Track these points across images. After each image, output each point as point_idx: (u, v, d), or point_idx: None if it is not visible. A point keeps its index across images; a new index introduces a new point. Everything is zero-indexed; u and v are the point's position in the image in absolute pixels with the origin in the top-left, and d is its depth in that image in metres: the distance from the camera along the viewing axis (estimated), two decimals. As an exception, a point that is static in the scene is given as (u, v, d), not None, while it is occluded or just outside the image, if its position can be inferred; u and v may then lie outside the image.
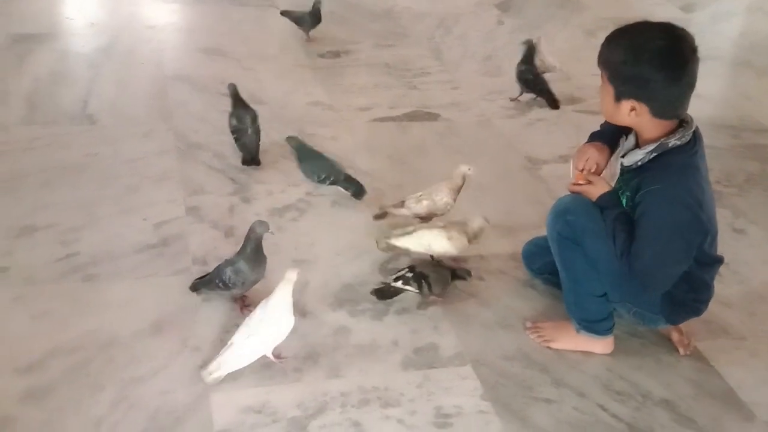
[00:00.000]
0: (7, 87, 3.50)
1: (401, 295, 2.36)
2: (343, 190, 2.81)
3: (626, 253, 1.99)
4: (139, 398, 1.97)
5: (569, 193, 2.17)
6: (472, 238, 2.49)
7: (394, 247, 2.51)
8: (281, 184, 2.90)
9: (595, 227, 2.06)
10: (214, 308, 2.28)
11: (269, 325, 2.02)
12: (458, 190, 2.64)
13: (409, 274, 2.33)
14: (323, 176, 2.81)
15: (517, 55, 3.73)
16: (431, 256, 2.51)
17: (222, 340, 2.12)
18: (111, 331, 2.17)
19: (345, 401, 2.01)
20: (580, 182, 2.13)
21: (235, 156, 3.06)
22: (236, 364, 2.01)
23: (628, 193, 2.06)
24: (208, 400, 1.97)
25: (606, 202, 2.06)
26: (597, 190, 2.09)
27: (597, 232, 2.06)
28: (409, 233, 2.50)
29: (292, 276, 2.05)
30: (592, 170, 2.14)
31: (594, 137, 2.24)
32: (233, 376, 2.03)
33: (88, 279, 2.37)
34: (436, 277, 2.34)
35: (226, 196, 2.82)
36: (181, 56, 4.07)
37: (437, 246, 2.46)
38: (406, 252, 2.52)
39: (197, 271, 2.42)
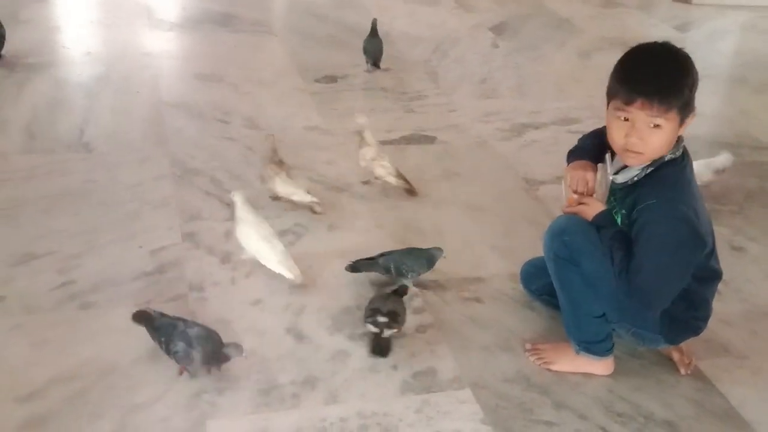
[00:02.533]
0: (5, 116, 3.53)
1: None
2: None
3: (624, 270, 1.98)
4: (138, 426, 1.96)
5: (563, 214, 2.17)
6: (271, 159, 2.83)
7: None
8: (277, 209, 2.90)
9: (592, 247, 2.06)
10: (212, 334, 2.28)
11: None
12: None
13: (383, 319, 2.25)
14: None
15: (514, 77, 3.73)
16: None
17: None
18: (110, 359, 2.16)
19: (344, 427, 2.00)
20: (573, 204, 2.13)
21: (230, 181, 3.08)
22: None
23: (623, 211, 2.06)
24: (206, 428, 1.96)
25: (602, 221, 2.06)
26: (591, 210, 2.09)
27: (594, 252, 2.06)
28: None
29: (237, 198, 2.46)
30: (584, 190, 2.13)
31: (575, 154, 2.21)
32: (231, 402, 2.02)
33: (85, 307, 2.36)
34: (402, 308, 2.31)
35: (222, 222, 2.82)
36: (176, 83, 4.09)
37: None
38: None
39: (194, 298, 2.41)
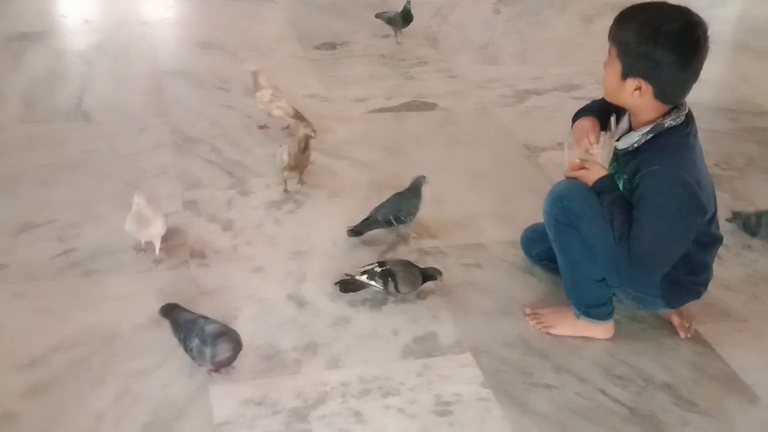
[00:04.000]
0: (2, 86, 3.50)
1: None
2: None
3: (625, 236, 1.98)
4: (140, 392, 1.97)
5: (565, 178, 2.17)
6: (299, 149, 2.72)
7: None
8: (278, 176, 2.89)
9: (592, 212, 2.05)
10: (211, 301, 2.28)
11: None
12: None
13: (378, 269, 2.30)
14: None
15: (516, 43, 3.71)
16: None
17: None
18: (111, 326, 2.17)
19: (345, 391, 2.01)
20: (575, 168, 2.12)
21: (231, 149, 3.07)
22: None
23: (625, 177, 2.06)
24: (208, 393, 1.97)
25: (602, 187, 2.06)
26: (593, 174, 2.08)
27: (594, 217, 2.05)
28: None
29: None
30: (586, 147, 2.12)
31: (580, 114, 2.22)
32: (232, 369, 2.03)
33: (87, 274, 2.37)
34: (405, 277, 2.30)
35: (223, 190, 2.82)
36: (176, 51, 4.07)
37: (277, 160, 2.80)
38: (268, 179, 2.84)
39: (196, 265, 2.42)
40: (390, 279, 2.28)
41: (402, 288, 2.29)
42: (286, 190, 2.82)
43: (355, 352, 2.14)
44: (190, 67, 3.80)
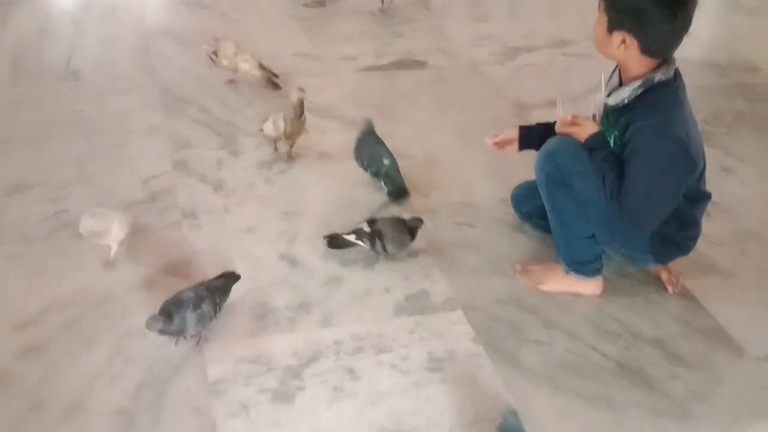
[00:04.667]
0: (-10, 46, 3.47)
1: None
2: (382, 185, 2.63)
3: (616, 192, 2.00)
4: (134, 352, 1.99)
5: (557, 135, 2.17)
6: (296, 114, 2.66)
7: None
8: (269, 145, 2.88)
9: (583, 168, 2.06)
10: (204, 261, 2.29)
11: None
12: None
13: (366, 229, 2.31)
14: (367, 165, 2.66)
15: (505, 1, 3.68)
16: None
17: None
18: (104, 287, 2.18)
19: (338, 349, 2.03)
20: (567, 124, 2.13)
21: (220, 109, 3.06)
22: None
23: (615, 133, 2.06)
24: (202, 352, 1.99)
25: (594, 143, 2.06)
26: (584, 131, 2.08)
27: (585, 174, 2.06)
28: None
29: None
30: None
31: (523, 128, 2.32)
32: (226, 328, 2.05)
33: (79, 235, 2.35)
34: (394, 237, 2.31)
35: (213, 150, 2.81)
36: (163, 10, 4.02)
37: (267, 130, 2.75)
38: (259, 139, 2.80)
39: (188, 225, 2.42)
40: (377, 239, 2.29)
41: (390, 248, 2.31)
42: (276, 150, 2.80)
43: (348, 311, 2.16)
44: (178, 26, 3.77)
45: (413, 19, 4.01)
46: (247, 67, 3.14)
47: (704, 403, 1.95)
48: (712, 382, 2.02)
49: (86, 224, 2.19)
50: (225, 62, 3.16)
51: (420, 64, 3.57)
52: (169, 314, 1.92)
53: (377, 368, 1.97)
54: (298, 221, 2.49)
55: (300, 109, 2.69)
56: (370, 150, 2.66)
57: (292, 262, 2.32)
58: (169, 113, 3.03)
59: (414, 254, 2.38)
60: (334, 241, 2.34)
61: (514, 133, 2.31)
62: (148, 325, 1.89)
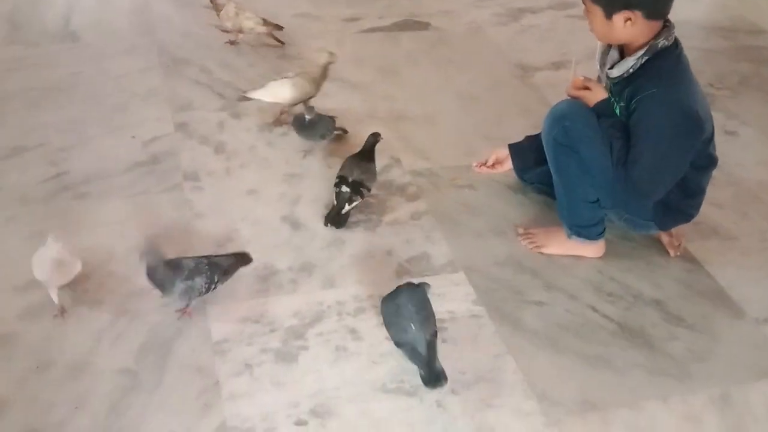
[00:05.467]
0: (-15, 6, 3.43)
1: (394, 209, 2.40)
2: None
3: (623, 161, 1.99)
4: (137, 312, 1.99)
5: (566, 98, 2.15)
6: (321, 77, 2.62)
7: (249, 99, 2.69)
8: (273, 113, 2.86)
9: (592, 133, 2.05)
10: (206, 223, 2.29)
11: None
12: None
13: (346, 189, 2.31)
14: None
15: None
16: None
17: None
18: (106, 248, 2.18)
19: (341, 310, 2.04)
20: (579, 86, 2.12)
21: (221, 70, 3.03)
22: None
23: (621, 104, 2.04)
24: (206, 312, 2.00)
25: (603, 109, 2.05)
26: (595, 96, 2.07)
27: (593, 139, 2.04)
28: (262, 86, 2.66)
29: None
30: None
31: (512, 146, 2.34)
32: (230, 288, 2.05)
33: (79, 197, 2.37)
34: (368, 176, 2.36)
35: (214, 112, 2.80)
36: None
37: (283, 93, 2.62)
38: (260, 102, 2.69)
39: (190, 188, 2.42)
40: (361, 188, 2.32)
41: (369, 183, 2.35)
42: (284, 112, 2.77)
43: (350, 273, 2.17)
44: (177, -14, 3.71)
45: (415, -21, 3.96)
46: (251, 24, 3.11)
47: (704, 363, 1.97)
48: (712, 343, 2.03)
49: (57, 247, 1.96)
50: (228, 24, 3.13)
51: (423, 26, 3.53)
52: (164, 268, 1.90)
53: (379, 329, 1.98)
54: (300, 184, 2.48)
55: (325, 72, 2.66)
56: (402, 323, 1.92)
57: (294, 224, 2.32)
58: (168, 75, 3.00)
59: (416, 216, 2.38)
60: (339, 222, 2.31)
61: (503, 153, 2.33)
62: (141, 255, 1.90)
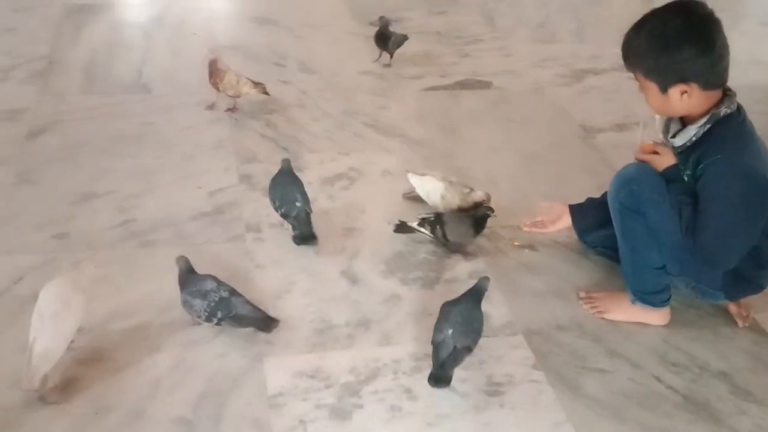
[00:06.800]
0: (64, 57, 3.57)
1: (453, 266, 2.39)
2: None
3: (692, 227, 1.95)
4: (195, 361, 2.01)
5: (633, 161, 2.13)
6: (467, 204, 2.53)
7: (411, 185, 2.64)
8: (332, 152, 2.91)
9: (660, 198, 2.02)
10: (266, 274, 2.31)
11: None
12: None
13: (431, 218, 2.41)
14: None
15: (573, 21, 3.65)
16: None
17: (275, 303, 2.15)
18: (168, 296, 2.20)
19: (397, 368, 2.02)
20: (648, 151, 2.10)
21: (285, 125, 3.09)
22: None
23: (688, 172, 2.02)
24: (262, 364, 2.00)
25: (672, 175, 2.02)
26: (664, 161, 2.05)
27: (661, 204, 2.01)
28: (424, 173, 2.62)
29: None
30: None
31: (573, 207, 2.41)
32: (286, 341, 2.05)
33: (145, 245, 2.41)
34: (453, 226, 2.39)
35: (278, 165, 2.83)
36: (232, 25, 4.10)
37: (432, 196, 2.55)
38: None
39: (251, 239, 2.45)
40: (438, 226, 2.37)
41: (450, 235, 2.37)
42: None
43: (407, 330, 2.15)
44: (247, 41, 3.83)
45: (479, 39, 4.00)
46: (247, 89, 3.13)
47: (774, 442, 1.89)
48: (783, 420, 1.95)
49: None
50: (231, 92, 3.13)
51: (485, 84, 3.56)
52: (186, 275, 2.07)
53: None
54: (359, 238, 2.49)
55: (470, 206, 2.53)
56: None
57: (353, 278, 2.32)
58: (235, 127, 3.07)
59: (474, 276, 2.35)
60: (400, 227, 2.44)
61: (555, 212, 2.38)
62: (178, 260, 2.09)
